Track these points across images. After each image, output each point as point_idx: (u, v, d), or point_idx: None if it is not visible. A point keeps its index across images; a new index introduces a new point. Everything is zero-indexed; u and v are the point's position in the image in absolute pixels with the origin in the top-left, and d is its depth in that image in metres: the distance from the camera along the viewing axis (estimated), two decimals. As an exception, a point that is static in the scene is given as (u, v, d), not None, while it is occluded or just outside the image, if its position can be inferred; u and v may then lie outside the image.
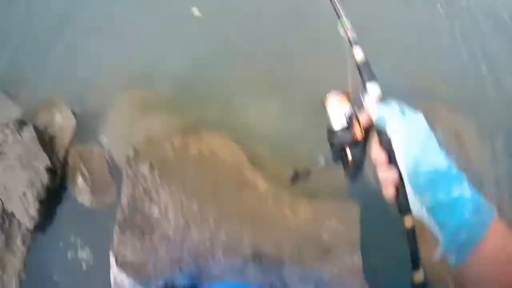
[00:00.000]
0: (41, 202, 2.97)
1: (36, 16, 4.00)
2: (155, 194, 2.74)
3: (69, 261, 2.80)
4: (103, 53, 3.66)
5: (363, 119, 0.90)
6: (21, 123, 3.40)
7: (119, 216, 2.71)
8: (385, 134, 0.80)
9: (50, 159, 3.13)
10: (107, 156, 3.11)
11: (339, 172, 0.98)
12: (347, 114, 0.93)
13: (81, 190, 2.98)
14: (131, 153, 2.93)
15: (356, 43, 0.96)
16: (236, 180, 2.67)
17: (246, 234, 2.55)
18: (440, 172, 0.72)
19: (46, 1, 4.10)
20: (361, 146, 0.91)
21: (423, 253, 0.75)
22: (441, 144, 0.76)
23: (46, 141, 3.29)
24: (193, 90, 3.32)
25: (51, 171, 3.09)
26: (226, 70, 3.49)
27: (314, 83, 3.20)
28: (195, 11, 3.72)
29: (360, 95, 0.90)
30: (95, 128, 3.24)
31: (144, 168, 2.86)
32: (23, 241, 2.90)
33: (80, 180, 3.01)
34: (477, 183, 0.73)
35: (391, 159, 0.79)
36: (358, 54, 0.94)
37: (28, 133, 3.28)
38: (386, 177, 0.81)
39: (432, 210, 0.73)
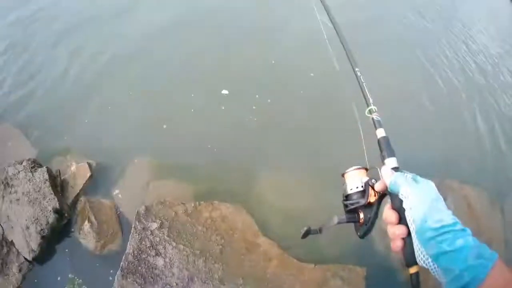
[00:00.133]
0: (43, 238, 3.04)
1: (74, 73, 4.56)
2: (162, 249, 2.98)
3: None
4: (129, 116, 4.12)
5: (378, 185, 1.00)
6: (35, 163, 3.61)
7: (123, 262, 2.84)
8: (397, 197, 0.90)
9: (59, 201, 3.29)
10: (118, 209, 3.32)
11: (350, 232, 1.08)
12: (363, 181, 1.04)
13: (86, 235, 3.12)
14: (142, 209, 3.21)
15: (381, 126, 1.09)
16: (244, 244, 2.94)
17: (250, 293, 2.73)
18: (446, 227, 0.79)
19: (84, 62, 4.73)
20: (373, 209, 1.02)
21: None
22: (449, 207, 0.84)
23: (58, 185, 3.49)
24: (210, 160, 3.69)
25: (58, 212, 3.23)
26: (243, 143, 3.91)
27: (328, 156, 3.64)
28: (224, 91, 4.39)
29: (378, 168, 1.00)
30: (108, 183, 3.50)
31: (154, 225, 3.15)
32: (20, 269, 2.86)
33: (87, 225, 3.17)
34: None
35: (401, 219, 0.89)
36: (381, 133, 1.07)
37: (41, 174, 3.49)
38: (394, 232, 0.90)
39: (437, 258, 0.79)
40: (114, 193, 3.46)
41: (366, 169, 1.08)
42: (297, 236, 2.85)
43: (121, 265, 2.86)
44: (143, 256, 2.98)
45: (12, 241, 3.03)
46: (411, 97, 4.76)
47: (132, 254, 2.97)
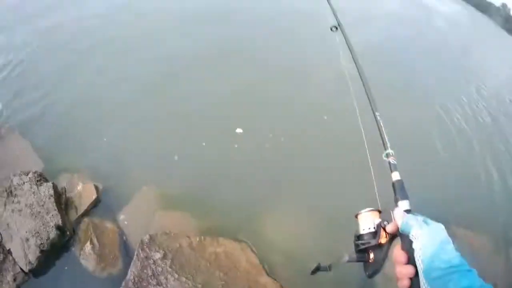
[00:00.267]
0: (42, 252, 2.96)
1: (94, 95, 4.71)
2: (163, 279, 2.96)
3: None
4: (141, 144, 4.22)
5: (389, 226, 1.02)
6: (41, 177, 3.60)
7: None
8: (408, 238, 0.92)
9: (62, 218, 3.25)
10: (122, 234, 3.29)
11: (359, 271, 1.09)
12: (375, 222, 1.07)
13: (87, 256, 3.05)
14: (146, 238, 3.21)
15: (396, 169, 1.11)
16: (248, 282, 2.95)
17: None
18: (453, 267, 0.82)
19: (105, 85, 4.91)
20: (384, 249, 1.03)
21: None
22: (457, 249, 0.87)
23: (62, 202, 3.46)
24: (217, 195, 3.75)
25: (60, 229, 3.17)
26: (253, 180, 3.99)
27: (336, 198, 3.73)
28: (238, 130, 4.59)
29: (390, 211, 1.03)
30: (114, 207, 3.51)
31: (157, 255, 3.14)
32: (14, 279, 2.75)
33: (88, 246, 3.11)
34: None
35: (409, 260, 0.91)
36: (396, 176, 1.09)
37: (46, 188, 3.46)
38: (402, 271, 0.92)
39: None
40: (119, 218, 3.46)
41: (379, 211, 1.10)
42: (300, 277, 2.95)
43: (121, 291, 2.81)
44: (144, 284, 2.94)
45: (9, 249, 2.93)
46: (425, 144, 5.04)
47: (133, 281, 2.93)
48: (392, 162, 1.14)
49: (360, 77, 1.51)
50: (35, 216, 3.20)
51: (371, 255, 1.05)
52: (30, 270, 2.83)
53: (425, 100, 6.21)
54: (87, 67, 5.19)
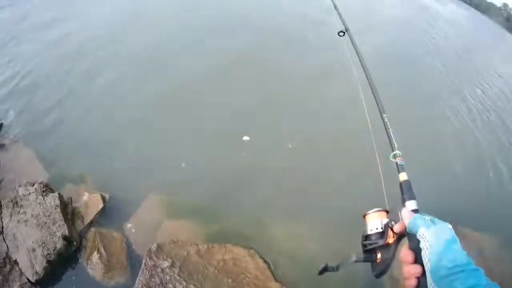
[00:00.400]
0: (49, 262, 2.93)
1: (103, 109, 4.72)
2: (171, 287, 2.98)
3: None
4: (148, 152, 4.22)
5: (397, 226, 1.02)
6: (47, 188, 3.59)
7: (131, 298, 2.83)
8: (415, 237, 0.93)
9: (69, 229, 3.23)
10: (129, 243, 3.27)
11: (366, 270, 1.08)
12: (383, 222, 1.07)
13: (95, 265, 3.03)
14: (154, 246, 3.19)
15: (403, 170, 1.13)
16: None
17: None
18: (459, 266, 0.82)
19: (114, 99, 4.93)
20: (391, 249, 1.04)
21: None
22: (464, 248, 0.87)
23: (69, 212, 3.44)
24: (225, 202, 3.73)
25: (67, 239, 3.15)
26: (259, 188, 3.99)
27: (342, 204, 3.71)
28: (245, 137, 4.63)
29: (398, 211, 1.03)
30: (121, 216, 3.48)
31: (165, 263, 3.12)
32: None
33: (95, 256, 3.09)
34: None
35: (417, 259, 0.92)
36: (403, 177, 1.10)
37: (52, 199, 3.46)
38: (409, 271, 0.92)
39: None
40: (126, 227, 3.44)
41: (387, 211, 1.11)
42: (309, 282, 2.91)
43: (129, 300, 2.79)
44: (152, 293, 2.93)
45: (16, 260, 2.91)
46: (432, 144, 5.04)
47: (141, 290, 2.92)
48: (399, 163, 1.16)
49: (368, 80, 1.54)
50: (42, 227, 3.18)
51: (379, 255, 1.06)
52: (37, 281, 2.81)
53: (431, 101, 6.21)
54: (94, 78, 5.23)
